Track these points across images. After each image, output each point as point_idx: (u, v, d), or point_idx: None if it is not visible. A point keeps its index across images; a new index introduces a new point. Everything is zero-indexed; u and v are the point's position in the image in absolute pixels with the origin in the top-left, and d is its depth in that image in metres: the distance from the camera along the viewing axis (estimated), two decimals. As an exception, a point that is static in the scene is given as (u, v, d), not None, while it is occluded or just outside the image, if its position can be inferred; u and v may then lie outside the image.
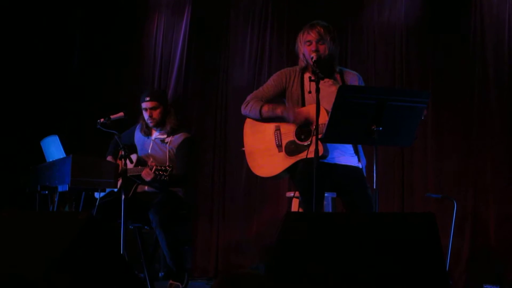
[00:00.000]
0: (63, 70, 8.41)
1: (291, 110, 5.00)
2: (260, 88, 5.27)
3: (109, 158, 6.33)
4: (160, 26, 8.51)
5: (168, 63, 8.36)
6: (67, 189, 5.50)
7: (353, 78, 5.17)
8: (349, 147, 5.07)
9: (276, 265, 3.51)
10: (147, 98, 6.18)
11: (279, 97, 5.21)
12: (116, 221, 5.60)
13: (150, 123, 6.19)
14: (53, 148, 5.93)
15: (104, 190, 6.08)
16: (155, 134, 6.26)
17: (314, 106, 4.82)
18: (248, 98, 5.22)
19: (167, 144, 6.15)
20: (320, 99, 4.58)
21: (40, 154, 6.19)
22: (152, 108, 6.17)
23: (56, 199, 5.88)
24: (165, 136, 6.20)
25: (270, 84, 5.22)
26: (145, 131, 6.29)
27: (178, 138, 6.17)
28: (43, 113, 7.99)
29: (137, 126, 6.38)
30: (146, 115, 6.20)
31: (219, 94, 8.04)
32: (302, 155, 4.92)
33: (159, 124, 6.20)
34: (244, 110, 5.20)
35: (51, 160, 5.95)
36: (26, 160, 6.51)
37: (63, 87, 8.35)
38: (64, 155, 5.71)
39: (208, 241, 7.87)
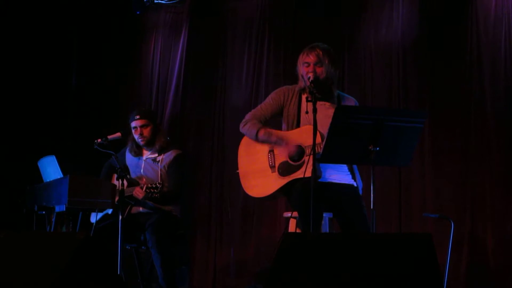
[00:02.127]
0: (61, 89, 8.42)
1: (284, 139, 5.03)
2: (258, 107, 5.29)
3: None
4: (158, 46, 8.53)
5: (165, 82, 8.38)
6: (64, 209, 5.50)
7: (349, 103, 5.20)
8: (344, 166, 5.09)
9: (274, 286, 3.51)
10: (137, 117, 6.19)
11: (277, 115, 5.23)
12: (113, 243, 5.59)
13: (140, 141, 6.19)
14: (50, 168, 5.94)
15: (101, 211, 6.08)
16: (146, 154, 6.26)
17: (305, 128, 4.90)
18: (247, 117, 5.25)
19: (159, 163, 6.17)
20: (317, 121, 4.59)
21: (37, 174, 6.19)
22: (142, 126, 6.17)
23: (53, 220, 5.88)
24: (156, 155, 6.21)
25: (268, 103, 5.24)
26: (135, 151, 6.28)
27: (169, 155, 6.18)
28: (40, 133, 7.98)
29: (127, 148, 6.37)
30: (136, 134, 6.20)
31: (216, 114, 8.05)
32: (295, 175, 4.96)
33: (150, 143, 6.20)
34: (242, 129, 5.23)
35: (48, 180, 5.95)
36: (23, 180, 6.50)
37: (60, 107, 8.35)
38: (61, 175, 5.71)
39: (206, 261, 7.85)
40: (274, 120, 5.32)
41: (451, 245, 6.02)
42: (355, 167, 5.13)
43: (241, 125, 5.25)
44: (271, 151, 5.11)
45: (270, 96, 5.29)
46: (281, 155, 5.06)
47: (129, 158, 6.33)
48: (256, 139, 5.14)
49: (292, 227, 5.36)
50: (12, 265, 3.95)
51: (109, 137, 5.93)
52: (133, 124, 6.21)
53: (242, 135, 5.32)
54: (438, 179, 6.87)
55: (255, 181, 5.17)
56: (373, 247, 3.56)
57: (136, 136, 6.20)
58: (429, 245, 3.53)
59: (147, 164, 6.22)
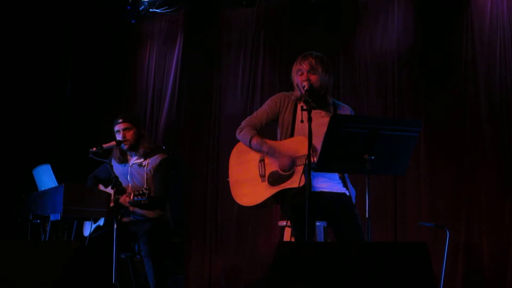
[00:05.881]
0: (56, 99, 8.41)
1: (276, 152, 5.03)
2: (254, 113, 5.30)
3: None
4: (153, 55, 8.54)
5: (160, 91, 8.39)
6: (59, 218, 5.48)
7: (345, 112, 5.20)
8: (335, 174, 5.08)
9: (269, 295, 3.51)
10: (120, 120, 6.23)
11: (273, 122, 5.23)
12: (107, 253, 5.58)
13: (124, 145, 6.18)
14: (45, 177, 5.92)
15: (96, 220, 6.07)
16: (132, 160, 6.26)
17: (297, 138, 4.90)
18: (243, 124, 5.26)
19: (145, 167, 6.16)
20: (312, 129, 4.59)
21: (32, 183, 6.17)
22: (125, 129, 6.19)
23: (48, 228, 5.86)
24: (141, 160, 6.21)
25: (264, 109, 5.24)
26: (120, 158, 6.28)
27: (155, 159, 6.19)
28: (35, 142, 7.98)
29: (112, 156, 6.37)
30: (119, 137, 6.20)
31: (211, 122, 8.05)
32: (284, 185, 4.96)
33: (133, 147, 6.21)
34: (238, 136, 5.25)
35: (43, 189, 5.93)
36: (18, 189, 6.49)
37: (55, 116, 8.35)
38: (56, 184, 5.70)
39: (201, 269, 7.85)
40: (268, 126, 5.32)
41: (447, 254, 6.03)
42: (346, 175, 5.13)
43: (237, 132, 5.26)
44: (261, 161, 5.11)
45: (266, 102, 5.29)
46: (272, 165, 5.06)
47: (116, 166, 6.31)
48: (250, 145, 5.15)
49: (287, 236, 5.36)
50: (6, 274, 3.94)
51: (104, 146, 5.94)
52: (116, 127, 6.24)
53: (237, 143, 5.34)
54: (433, 188, 6.88)
55: (245, 189, 5.17)
56: (368, 256, 3.56)
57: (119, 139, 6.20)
58: (425, 254, 3.54)
59: (133, 170, 6.21)
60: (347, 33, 7.51)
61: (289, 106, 5.14)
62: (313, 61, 5.03)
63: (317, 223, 5.27)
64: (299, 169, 4.84)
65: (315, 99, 4.86)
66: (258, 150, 5.13)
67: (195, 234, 7.96)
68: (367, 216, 4.48)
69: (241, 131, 5.22)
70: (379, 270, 3.50)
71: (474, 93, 6.82)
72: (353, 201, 5.08)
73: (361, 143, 4.37)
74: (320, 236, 5.51)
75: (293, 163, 4.95)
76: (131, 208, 5.95)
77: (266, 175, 5.08)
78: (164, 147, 6.46)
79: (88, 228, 6.25)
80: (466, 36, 6.92)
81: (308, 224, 4.45)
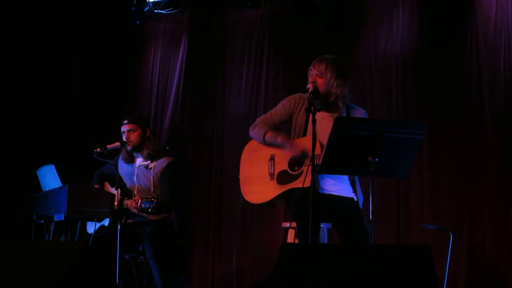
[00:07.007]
0: (60, 99, 8.42)
1: (290, 141, 5.03)
2: (268, 113, 5.32)
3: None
4: (157, 56, 8.54)
5: (164, 93, 8.39)
6: (63, 218, 5.50)
7: (358, 114, 5.20)
8: (345, 179, 5.08)
9: (272, 296, 3.51)
10: (125, 121, 6.25)
11: (286, 123, 5.23)
12: (111, 254, 5.58)
13: (127, 146, 6.20)
14: (49, 177, 5.94)
15: (100, 220, 6.08)
16: (138, 161, 6.28)
17: (309, 138, 4.87)
18: (257, 121, 5.29)
19: (151, 170, 6.17)
20: (322, 132, 4.60)
21: (36, 183, 6.18)
22: (129, 131, 6.21)
23: (52, 229, 5.87)
24: (148, 162, 6.22)
25: (279, 109, 5.26)
26: (126, 158, 6.30)
27: (162, 162, 6.19)
28: (39, 142, 7.98)
29: (120, 157, 6.39)
30: (124, 138, 6.22)
31: (216, 124, 8.05)
32: (292, 185, 4.97)
33: (137, 148, 6.23)
34: (251, 132, 5.26)
35: (47, 189, 5.95)
36: (22, 189, 6.50)
37: (59, 116, 8.35)
38: (60, 185, 5.71)
39: (204, 270, 7.85)
40: (283, 127, 5.32)
41: (450, 256, 6.02)
42: (357, 180, 5.13)
43: (250, 129, 5.29)
44: (271, 159, 5.12)
45: (281, 102, 5.30)
46: (281, 164, 5.07)
47: (123, 166, 6.33)
48: (263, 141, 5.14)
49: (290, 237, 5.36)
50: (10, 274, 3.95)
51: (108, 146, 5.95)
52: (122, 129, 6.27)
53: (241, 145, 5.34)
54: (437, 191, 6.87)
55: (254, 187, 5.19)
56: (371, 258, 3.56)
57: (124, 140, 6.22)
58: (428, 256, 3.54)
59: (139, 171, 6.23)
60: (352, 35, 7.51)
61: (303, 108, 5.13)
62: (323, 65, 5.04)
63: (321, 225, 5.28)
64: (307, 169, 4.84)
65: (321, 102, 4.88)
66: (272, 142, 5.11)
67: (198, 234, 7.96)
68: (370, 218, 4.48)
69: (254, 127, 5.24)
70: (382, 272, 3.50)
71: (478, 95, 6.81)
72: (360, 207, 5.08)
73: (365, 145, 4.38)
74: (323, 238, 5.51)
75: (305, 154, 4.92)
76: (136, 212, 5.96)
77: (275, 174, 5.09)
78: (168, 148, 6.47)
79: (91, 225, 6.27)
80: (471, 39, 6.91)
81: (312, 225, 4.46)
